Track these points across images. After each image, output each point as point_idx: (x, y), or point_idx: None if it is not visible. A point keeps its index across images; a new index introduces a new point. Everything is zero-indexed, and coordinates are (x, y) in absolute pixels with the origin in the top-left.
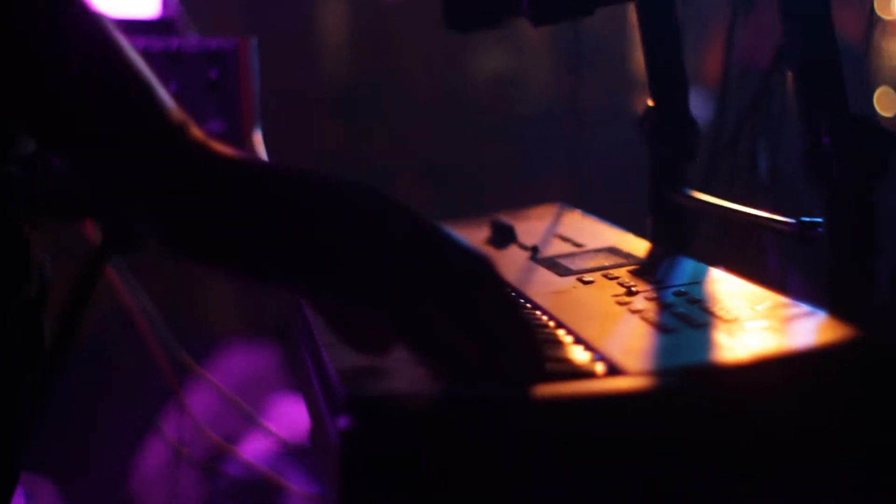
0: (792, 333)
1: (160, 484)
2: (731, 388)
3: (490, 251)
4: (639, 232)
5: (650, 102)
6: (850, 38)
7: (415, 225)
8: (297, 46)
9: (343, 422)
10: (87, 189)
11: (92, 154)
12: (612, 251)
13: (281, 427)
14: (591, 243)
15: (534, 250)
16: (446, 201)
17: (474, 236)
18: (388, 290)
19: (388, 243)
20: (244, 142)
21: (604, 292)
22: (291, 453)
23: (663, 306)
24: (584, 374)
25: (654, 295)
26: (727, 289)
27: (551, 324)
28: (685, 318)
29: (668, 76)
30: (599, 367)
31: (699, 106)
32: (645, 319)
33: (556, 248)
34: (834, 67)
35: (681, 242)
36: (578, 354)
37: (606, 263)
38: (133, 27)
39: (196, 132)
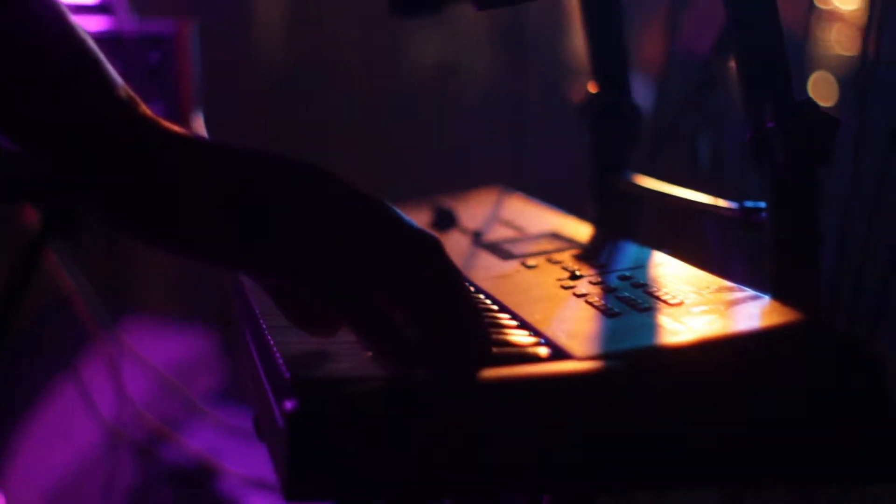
0: (736, 317)
1: (97, 467)
2: (676, 372)
3: None
4: (580, 216)
5: (592, 88)
6: (788, 25)
7: (363, 204)
8: (233, 31)
9: (289, 405)
10: (32, 169)
11: (41, 130)
12: (555, 235)
13: (221, 411)
14: (534, 227)
15: (476, 234)
16: (386, 187)
17: (415, 221)
18: (334, 268)
19: (335, 221)
20: (185, 126)
21: (547, 276)
22: (232, 437)
23: (607, 290)
24: (530, 357)
25: (599, 279)
26: (671, 273)
27: (495, 308)
28: (630, 302)
29: (611, 62)
30: (544, 351)
31: (640, 92)
32: (590, 303)
33: (498, 232)
34: (778, 53)
35: (623, 227)
36: (523, 338)
37: (549, 248)
38: (73, 11)
39: (144, 109)
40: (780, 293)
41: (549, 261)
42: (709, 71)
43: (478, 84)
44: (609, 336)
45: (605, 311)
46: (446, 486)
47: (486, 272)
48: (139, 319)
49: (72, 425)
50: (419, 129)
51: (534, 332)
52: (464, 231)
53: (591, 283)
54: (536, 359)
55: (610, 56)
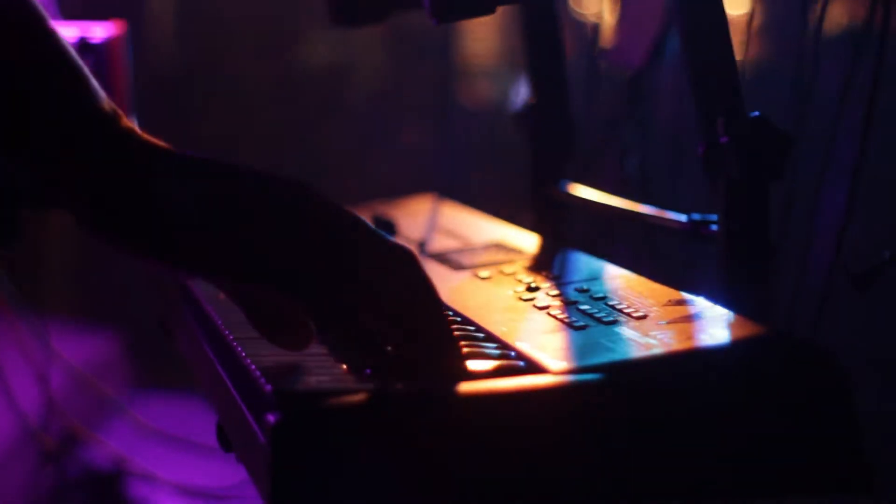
0: (705, 330)
1: (12, 468)
2: (652, 385)
3: None
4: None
5: (530, 99)
6: None
7: (341, 218)
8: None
9: (272, 418)
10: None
11: (23, 142)
12: (501, 246)
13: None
14: (477, 237)
15: (420, 245)
16: None
17: None
18: (313, 280)
19: (314, 234)
20: None
21: (504, 288)
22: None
23: (568, 303)
24: (505, 370)
25: (556, 291)
26: (627, 285)
27: (458, 320)
28: (593, 316)
29: (549, 74)
30: (519, 364)
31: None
32: (553, 316)
33: (442, 242)
34: (729, 70)
35: (561, 235)
36: (495, 351)
37: (498, 258)
38: None
39: (126, 122)
40: (732, 305)
41: (502, 272)
42: (639, 83)
43: (366, 87)
44: (580, 350)
45: (570, 325)
46: (430, 499)
47: (439, 284)
48: (56, 319)
49: None
50: (312, 132)
51: (502, 344)
52: (406, 241)
53: (549, 295)
54: (511, 372)
55: (548, 68)
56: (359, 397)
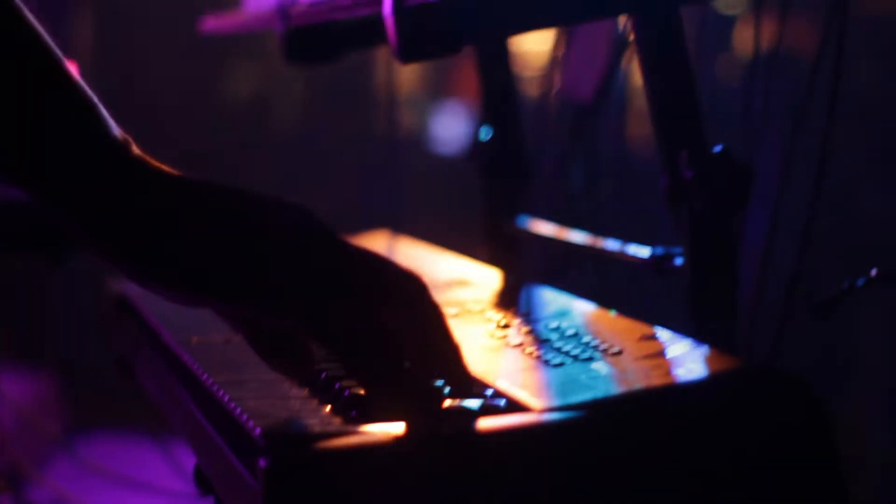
0: (681, 365)
1: None
2: (637, 421)
3: None
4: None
5: (483, 134)
6: None
7: (347, 246)
8: None
9: (264, 462)
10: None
11: (38, 171)
12: (464, 282)
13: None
14: (438, 273)
15: None
16: None
17: None
18: (329, 307)
19: (330, 262)
20: None
21: (474, 326)
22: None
23: (541, 340)
24: (488, 409)
25: (528, 328)
26: (598, 320)
27: None
28: (569, 353)
29: (503, 110)
30: (501, 402)
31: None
32: (529, 354)
33: None
34: (691, 104)
35: (517, 269)
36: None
37: (463, 295)
38: None
39: (137, 150)
40: (702, 337)
41: (469, 310)
42: (588, 114)
43: (288, 119)
44: (562, 388)
45: (547, 363)
46: None
47: None
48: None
49: None
50: (233, 160)
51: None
52: None
53: (521, 332)
54: (494, 411)
55: (503, 103)
56: (351, 440)
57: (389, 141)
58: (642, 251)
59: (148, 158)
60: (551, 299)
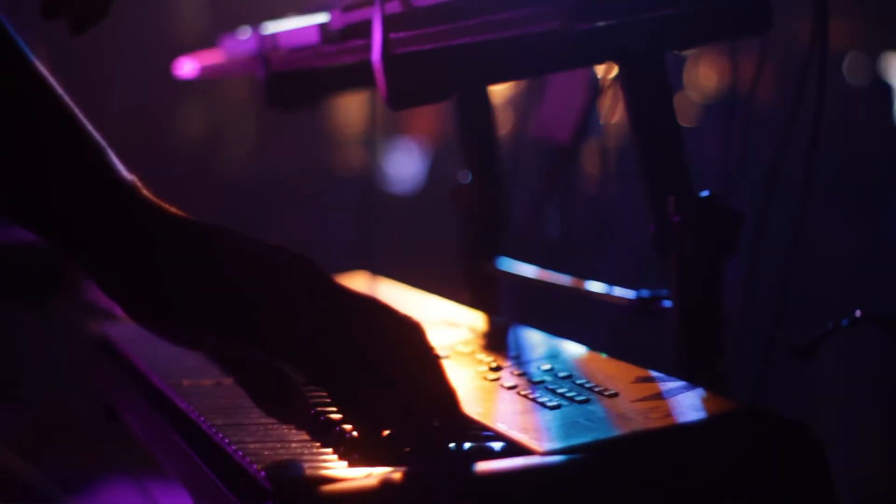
0: (678, 407)
1: None
2: (638, 462)
3: None
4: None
5: (462, 178)
6: None
7: (345, 291)
8: None
9: None
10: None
11: (48, 212)
12: (451, 323)
13: None
14: (423, 315)
15: None
16: None
17: None
18: (327, 356)
19: (324, 306)
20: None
21: (465, 368)
22: None
23: (534, 382)
24: (492, 452)
25: (519, 370)
26: (589, 362)
27: None
28: (564, 395)
29: (484, 154)
30: (500, 446)
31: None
32: (524, 396)
33: None
34: (677, 149)
35: (498, 310)
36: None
37: (452, 337)
38: None
39: (146, 192)
40: (692, 379)
41: (458, 352)
42: (564, 157)
43: (235, 157)
44: (561, 429)
45: (544, 405)
46: None
47: None
48: None
49: None
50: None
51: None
52: None
53: (513, 374)
54: (495, 453)
55: (482, 147)
56: (356, 483)
57: (357, 179)
58: (628, 293)
59: (156, 200)
60: (540, 341)
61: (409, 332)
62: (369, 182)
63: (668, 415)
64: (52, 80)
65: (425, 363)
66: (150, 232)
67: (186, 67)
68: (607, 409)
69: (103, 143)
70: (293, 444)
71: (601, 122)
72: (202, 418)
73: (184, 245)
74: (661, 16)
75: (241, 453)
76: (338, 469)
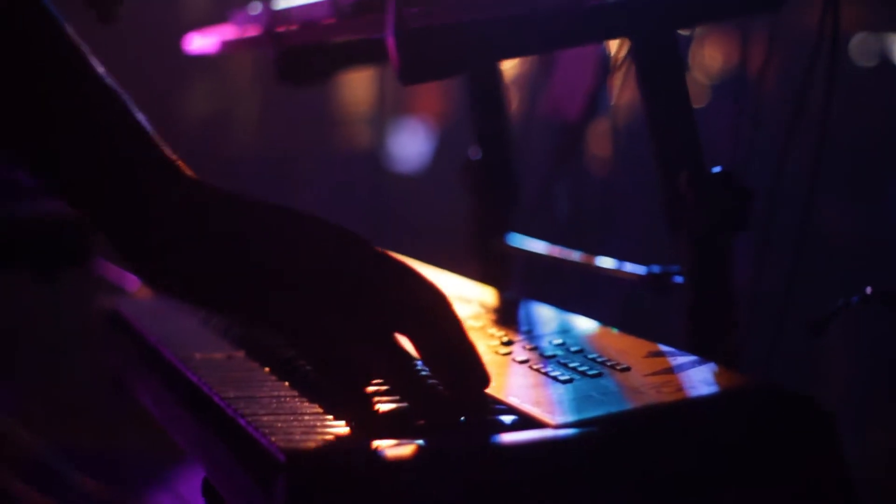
0: (690, 381)
1: None
2: (650, 436)
3: None
4: None
5: (473, 154)
6: None
7: (387, 261)
8: None
9: (285, 478)
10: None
11: (97, 193)
12: (461, 299)
13: None
14: None
15: None
16: None
17: None
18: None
19: (364, 276)
20: None
21: (477, 342)
22: None
23: (547, 357)
24: (506, 426)
25: (531, 345)
26: (601, 337)
27: None
28: (576, 369)
29: (494, 130)
30: (513, 419)
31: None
32: (536, 370)
33: None
34: (689, 127)
35: (508, 286)
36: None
37: (464, 313)
38: None
39: (187, 169)
40: (704, 354)
41: (470, 327)
42: (573, 135)
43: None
44: (574, 403)
45: (556, 379)
46: None
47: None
48: None
49: None
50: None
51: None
52: None
53: (525, 348)
54: (509, 426)
55: (494, 125)
56: (372, 456)
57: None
58: (639, 269)
59: (197, 178)
60: (551, 316)
61: (436, 298)
62: (376, 160)
63: (680, 389)
64: (99, 68)
65: (453, 330)
66: (195, 205)
67: (197, 43)
68: (619, 382)
69: (148, 124)
70: (306, 417)
71: (611, 102)
72: (214, 391)
73: (230, 218)
74: None
75: (254, 426)
76: (354, 442)
